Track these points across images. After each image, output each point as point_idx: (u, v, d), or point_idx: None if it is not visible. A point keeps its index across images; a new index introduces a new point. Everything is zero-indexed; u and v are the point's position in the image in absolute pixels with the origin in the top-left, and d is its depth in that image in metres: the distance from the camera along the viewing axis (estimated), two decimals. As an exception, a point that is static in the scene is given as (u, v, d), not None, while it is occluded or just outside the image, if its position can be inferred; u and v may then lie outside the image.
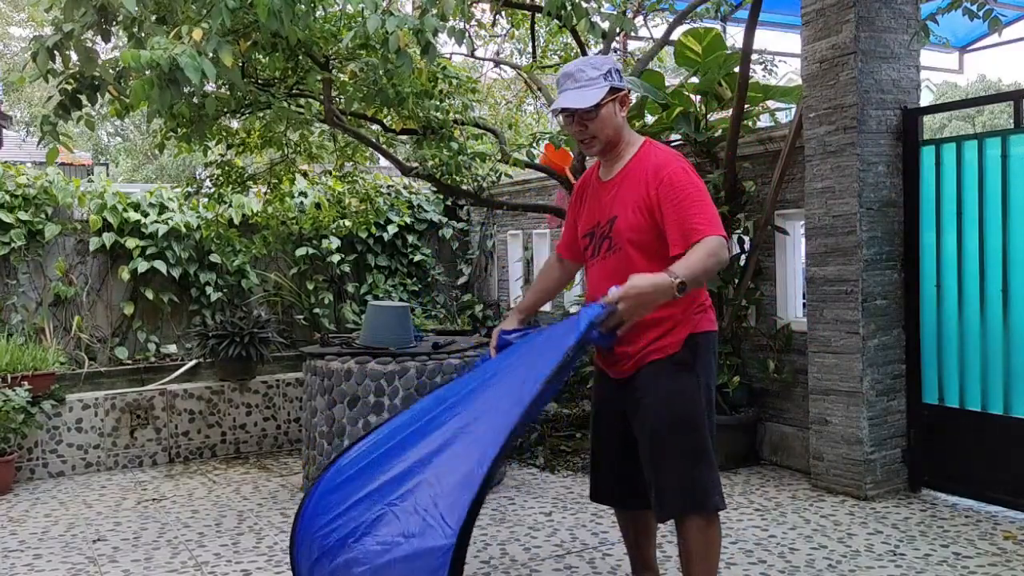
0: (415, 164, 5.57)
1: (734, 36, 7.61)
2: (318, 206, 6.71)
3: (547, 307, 7.00)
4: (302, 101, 5.07)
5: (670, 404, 2.65)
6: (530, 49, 6.69)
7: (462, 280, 8.09)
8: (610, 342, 2.57)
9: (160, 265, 6.51)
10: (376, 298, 7.38)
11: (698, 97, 5.43)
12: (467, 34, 3.66)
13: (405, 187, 7.80)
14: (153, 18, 3.44)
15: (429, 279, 7.87)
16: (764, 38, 16.80)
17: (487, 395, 2.56)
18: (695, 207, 2.54)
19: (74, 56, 3.47)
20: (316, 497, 2.62)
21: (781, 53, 8.58)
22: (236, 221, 6.64)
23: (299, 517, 2.62)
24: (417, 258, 7.76)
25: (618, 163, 2.74)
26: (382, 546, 2.28)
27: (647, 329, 2.65)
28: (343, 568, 2.36)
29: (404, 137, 5.57)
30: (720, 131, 5.28)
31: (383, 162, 7.32)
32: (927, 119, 4.56)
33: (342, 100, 4.71)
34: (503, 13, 6.04)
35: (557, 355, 2.39)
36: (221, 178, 5.75)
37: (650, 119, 5.71)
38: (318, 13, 4.02)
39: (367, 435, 2.75)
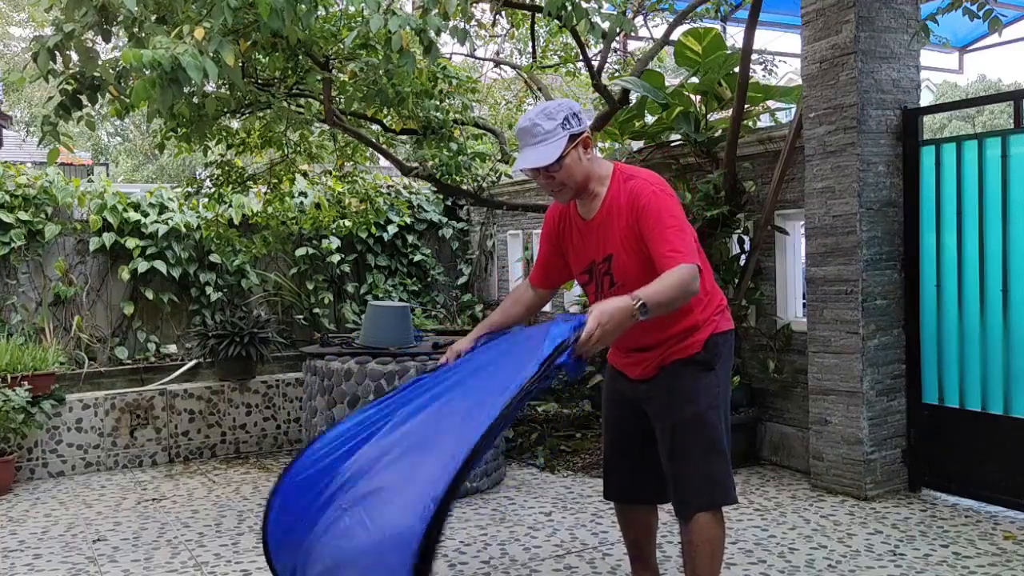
0: (415, 164, 5.58)
1: (734, 36, 7.62)
2: (318, 206, 6.71)
3: (547, 307, 7.01)
4: (302, 101, 5.08)
5: (692, 402, 2.69)
6: (530, 49, 6.69)
7: (462, 280, 8.09)
8: (581, 371, 2.47)
9: (160, 265, 6.51)
10: (376, 298, 7.38)
11: (698, 97, 5.43)
12: (468, 34, 3.66)
13: (405, 187, 7.80)
14: (153, 18, 3.44)
15: (429, 279, 7.87)
16: (764, 38, 16.82)
17: (445, 407, 2.51)
18: (672, 234, 2.52)
19: (75, 56, 3.47)
20: (283, 493, 2.60)
21: (781, 53, 8.60)
22: (236, 221, 6.64)
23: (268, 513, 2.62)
24: (417, 258, 7.76)
25: (595, 200, 2.70)
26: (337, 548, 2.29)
27: (670, 331, 2.70)
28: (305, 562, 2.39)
29: (404, 137, 5.58)
30: (720, 131, 5.28)
31: (383, 162, 7.33)
32: (927, 119, 4.56)
33: (342, 100, 4.71)
34: (503, 13, 6.04)
35: (519, 378, 2.29)
36: (221, 178, 5.75)
37: (650, 119, 5.71)
38: (318, 12, 4.02)
39: (333, 429, 2.71)
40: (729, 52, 5.19)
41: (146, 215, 6.60)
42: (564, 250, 2.88)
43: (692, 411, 2.68)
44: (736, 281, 5.06)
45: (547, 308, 6.90)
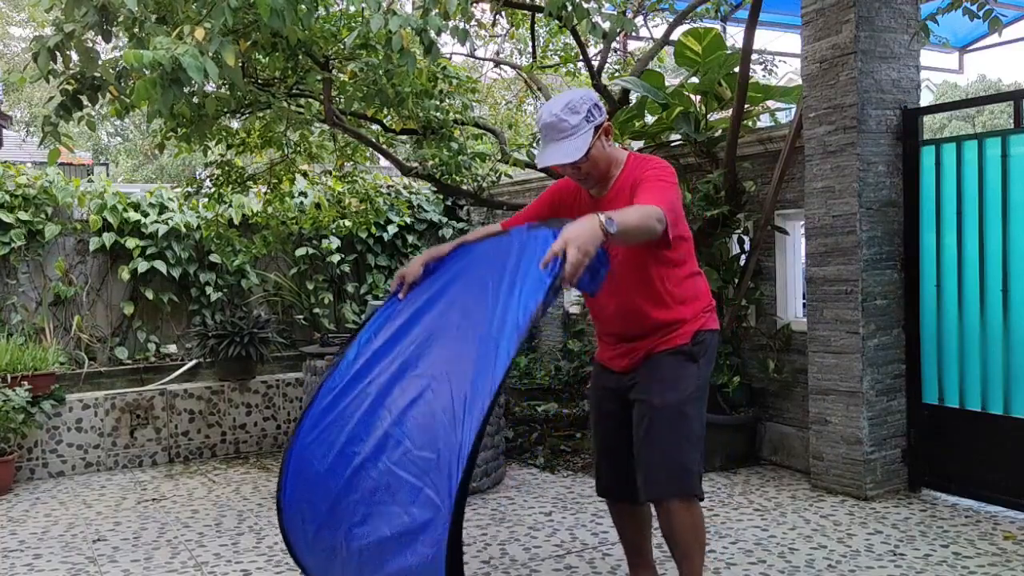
0: (415, 164, 5.58)
1: (734, 36, 7.63)
2: (318, 206, 6.71)
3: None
4: (302, 101, 5.08)
5: (674, 390, 2.73)
6: (530, 49, 6.69)
7: (462, 280, 8.07)
8: (598, 281, 2.48)
9: (160, 265, 6.51)
10: (376, 298, 7.38)
11: (698, 97, 5.43)
12: (468, 33, 3.66)
13: (405, 187, 7.79)
14: (154, 18, 3.44)
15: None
16: (764, 38, 16.83)
17: (450, 342, 2.50)
18: (655, 190, 2.59)
19: (75, 56, 3.47)
20: (296, 452, 2.62)
21: (781, 53, 8.61)
22: (236, 221, 6.64)
23: (283, 477, 2.64)
24: (417, 258, 7.75)
25: (608, 181, 2.80)
26: (381, 518, 2.28)
27: (658, 329, 2.77)
28: (343, 542, 2.37)
29: (404, 137, 5.58)
30: (720, 131, 5.28)
31: (383, 162, 7.33)
32: (927, 119, 4.56)
33: (342, 100, 4.71)
34: (503, 13, 6.04)
35: (523, 316, 2.31)
36: (221, 178, 5.75)
37: (650, 119, 5.71)
38: (318, 12, 4.02)
39: (326, 382, 2.72)
40: (729, 52, 5.19)
41: (146, 215, 6.60)
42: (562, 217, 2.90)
43: (673, 399, 2.72)
44: (736, 281, 5.06)
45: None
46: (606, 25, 3.91)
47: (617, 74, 7.38)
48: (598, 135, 2.68)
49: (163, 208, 6.69)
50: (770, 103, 5.63)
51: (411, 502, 2.20)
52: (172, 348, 6.76)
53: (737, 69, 4.92)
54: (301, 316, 7.25)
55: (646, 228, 2.44)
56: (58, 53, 3.36)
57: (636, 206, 2.49)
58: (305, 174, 6.22)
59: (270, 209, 6.13)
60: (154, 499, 4.74)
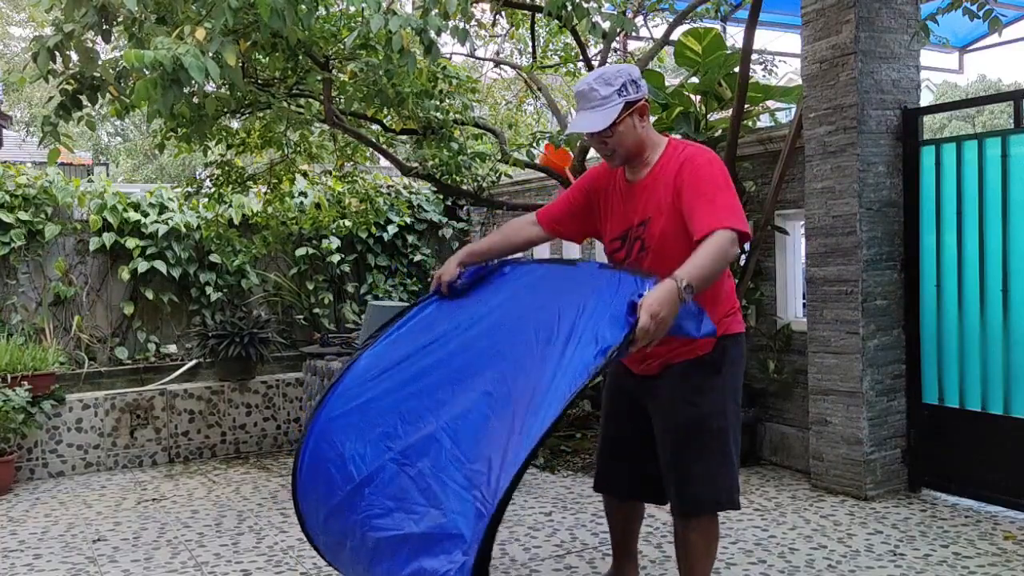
0: (415, 164, 5.57)
1: (734, 36, 7.63)
2: (318, 206, 6.71)
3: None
4: (302, 101, 5.07)
5: (696, 405, 2.68)
6: (530, 49, 6.69)
7: (462, 280, 8.06)
8: (704, 330, 2.48)
9: (160, 265, 6.51)
10: (376, 298, 7.38)
11: (698, 97, 5.43)
12: (468, 33, 3.66)
13: (405, 187, 7.79)
14: (153, 18, 3.44)
15: (429, 279, 7.86)
16: (764, 38, 16.83)
17: (513, 357, 2.43)
18: (710, 197, 2.50)
19: (75, 56, 3.47)
20: (316, 433, 2.62)
21: (781, 53, 8.60)
22: (236, 221, 6.64)
23: (301, 456, 2.63)
24: (417, 258, 7.76)
25: (645, 167, 2.72)
26: (402, 513, 2.25)
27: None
28: (359, 529, 2.35)
29: (404, 137, 5.57)
30: (720, 131, 5.28)
31: (383, 162, 7.33)
32: (927, 119, 4.56)
33: (342, 100, 4.71)
34: (503, 13, 6.04)
35: (595, 357, 2.24)
36: (221, 178, 5.75)
37: (650, 119, 5.70)
38: (319, 12, 4.02)
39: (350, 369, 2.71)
40: (729, 52, 5.19)
41: (146, 215, 6.60)
42: (597, 209, 2.86)
43: (696, 414, 2.68)
44: (736, 281, 5.06)
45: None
46: (606, 25, 3.91)
47: (617, 74, 7.36)
48: (630, 112, 2.62)
49: (163, 208, 6.69)
50: (770, 103, 5.63)
51: (456, 510, 2.16)
52: (172, 348, 6.76)
53: (737, 69, 4.91)
54: (301, 316, 7.25)
55: (723, 265, 2.43)
56: (58, 53, 3.36)
57: (705, 245, 2.40)
58: (305, 174, 6.22)
59: (270, 209, 6.13)
60: (154, 499, 4.74)
